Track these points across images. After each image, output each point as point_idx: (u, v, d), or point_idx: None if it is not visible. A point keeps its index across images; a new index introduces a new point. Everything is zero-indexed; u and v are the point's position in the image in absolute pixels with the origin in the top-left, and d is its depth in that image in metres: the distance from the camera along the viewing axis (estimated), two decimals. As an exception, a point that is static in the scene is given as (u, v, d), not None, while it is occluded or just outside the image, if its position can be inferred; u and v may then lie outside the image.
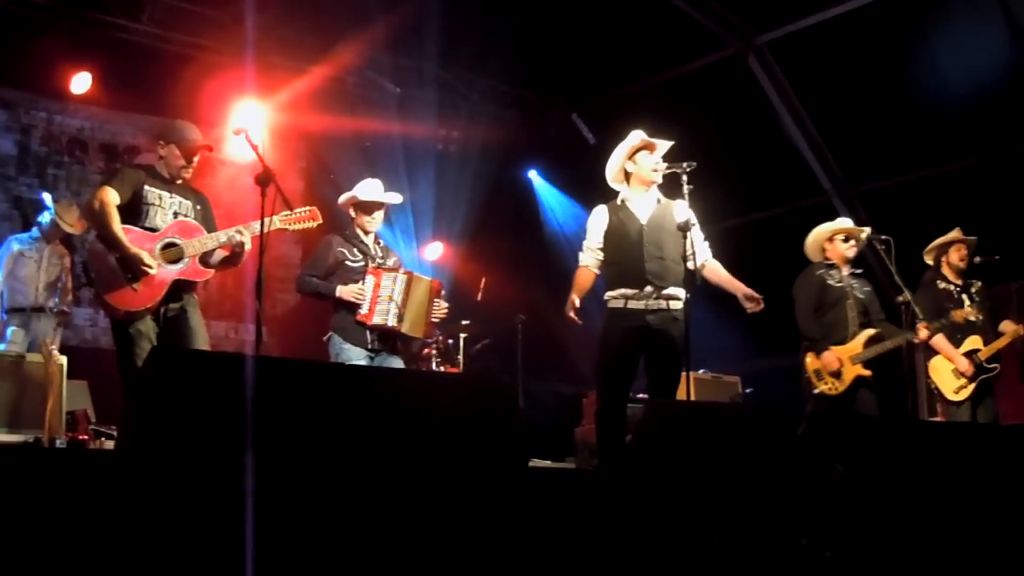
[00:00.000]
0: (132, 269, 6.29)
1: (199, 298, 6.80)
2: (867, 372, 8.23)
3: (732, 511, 4.63)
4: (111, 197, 6.33)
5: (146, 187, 6.50)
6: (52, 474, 3.26)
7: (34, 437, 7.66)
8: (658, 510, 4.45)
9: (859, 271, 8.57)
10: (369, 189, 7.82)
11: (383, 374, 6.02)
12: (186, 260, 6.45)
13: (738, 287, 7.05)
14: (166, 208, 6.54)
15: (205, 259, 6.59)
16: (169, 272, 6.40)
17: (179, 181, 6.70)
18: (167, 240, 6.45)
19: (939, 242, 8.89)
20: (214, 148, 7.08)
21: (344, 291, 7.56)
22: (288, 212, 6.58)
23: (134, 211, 6.44)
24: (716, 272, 7.15)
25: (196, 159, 6.74)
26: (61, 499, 3.20)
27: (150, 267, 6.29)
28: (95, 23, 11.09)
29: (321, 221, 6.92)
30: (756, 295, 6.96)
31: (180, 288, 6.50)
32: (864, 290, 8.53)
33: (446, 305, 7.97)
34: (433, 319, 7.83)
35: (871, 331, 8.34)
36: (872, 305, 8.52)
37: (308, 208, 6.89)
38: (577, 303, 6.93)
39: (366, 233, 7.82)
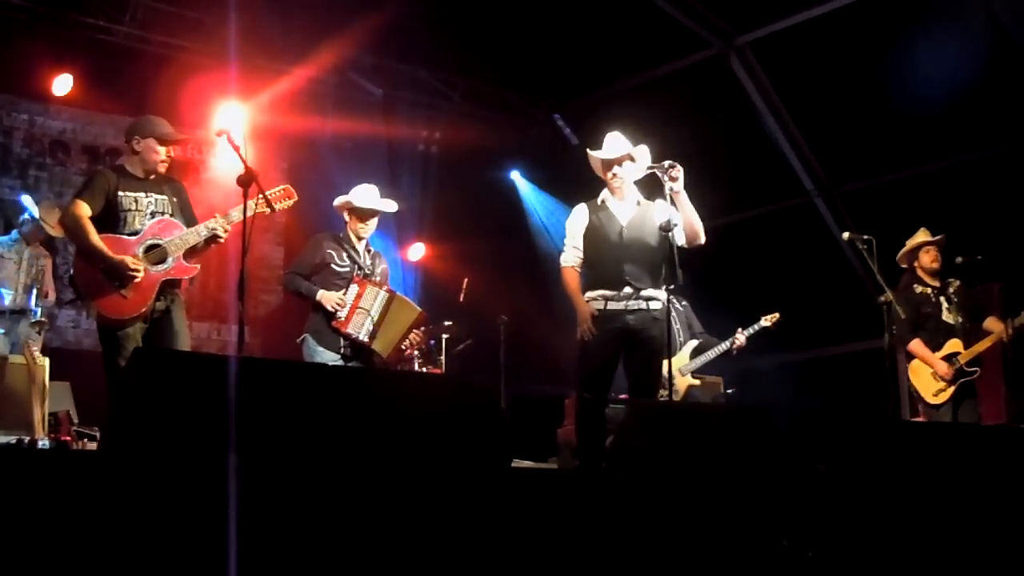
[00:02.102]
0: (118, 277, 6.28)
1: (183, 296, 6.81)
2: (696, 382, 9.07)
3: (714, 512, 4.64)
4: (83, 211, 6.34)
5: (119, 193, 6.47)
6: (35, 475, 3.26)
7: (17, 438, 7.64)
8: (640, 511, 4.46)
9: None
10: (365, 195, 7.79)
11: (366, 375, 6.03)
12: (171, 260, 6.45)
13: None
14: (143, 210, 6.52)
15: (188, 254, 6.57)
16: (156, 273, 6.40)
17: (153, 176, 6.67)
18: (149, 242, 6.44)
19: (908, 247, 8.88)
20: (189, 141, 7.10)
21: (325, 297, 7.54)
22: (262, 195, 6.41)
23: (111, 219, 6.43)
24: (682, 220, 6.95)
25: (172, 151, 6.73)
26: (45, 500, 3.20)
27: (136, 271, 6.29)
28: (76, 25, 11.07)
29: (296, 198, 6.91)
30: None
31: (166, 286, 6.49)
32: (682, 304, 9.27)
33: (420, 339, 7.98)
34: (403, 347, 7.84)
35: (694, 342, 9.11)
36: (692, 319, 9.28)
37: (282, 187, 6.90)
38: (588, 312, 6.78)
39: (359, 239, 7.80)
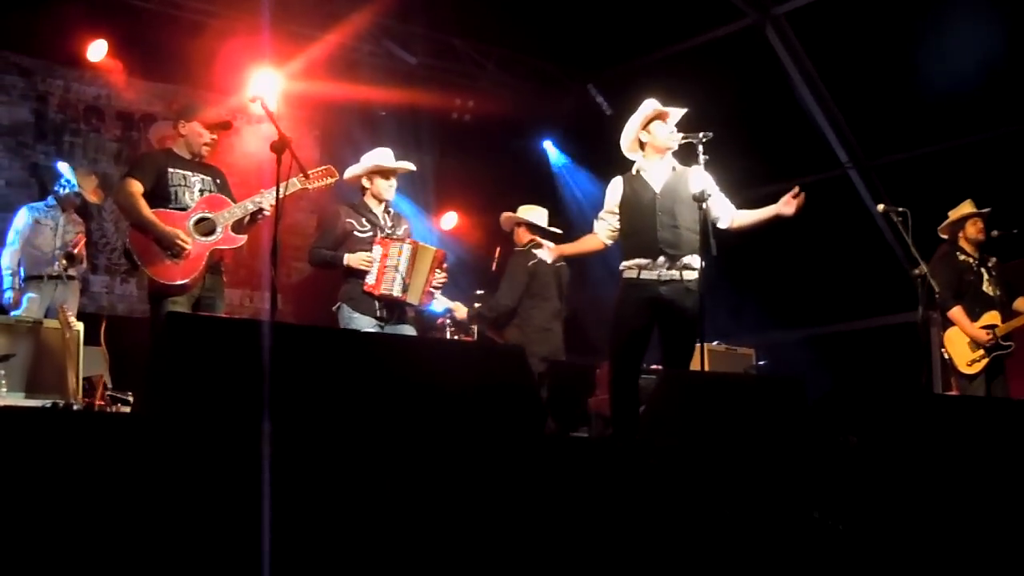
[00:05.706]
0: (169, 247, 6.65)
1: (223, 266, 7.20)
2: None
3: (744, 483, 4.64)
4: (136, 188, 6.75)
5: (169, 170, 6.89)
6: (70, 438, 3.28)
7: (52, 402, 7.70)
8: (671, 481, 4.46)
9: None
10: (387, 156, 7.82)
11: (398, 342, 6.05)
12: (219, 231, 6.82)
13: (771, 208, 6.97)
14: (192, 187, 6.94)
15: (236, 227, 6.93)
16: (205, 244, 6.77)
17: (199, 159, 7.05)
18: (199, 215, 6.83)
19: (954, 217, 8.84)
20: (233, 125, 7.46)
21: (352, 259, 7.56)
22: (304, 174, 6.82)
23: (162, 194, 6.82)
24: (746, 217, 7.08)
25: (216, 135, 7.12)
26: (79, 462, 3.22)
27: (186, 242, 6.67)
28: (111, -10, 11.09)
29: (338, 177, 7.31)
30: (790, 196, 6.88)
31: (215, 267, 6.94)
32: None
33: (444, 276, 7.94)
34: (430, 288, 7.83)
35: None
36: None
37: (324, 167, 7.24)
38: (561, 250, 7.43)
39: (380, 201, 7.81)
